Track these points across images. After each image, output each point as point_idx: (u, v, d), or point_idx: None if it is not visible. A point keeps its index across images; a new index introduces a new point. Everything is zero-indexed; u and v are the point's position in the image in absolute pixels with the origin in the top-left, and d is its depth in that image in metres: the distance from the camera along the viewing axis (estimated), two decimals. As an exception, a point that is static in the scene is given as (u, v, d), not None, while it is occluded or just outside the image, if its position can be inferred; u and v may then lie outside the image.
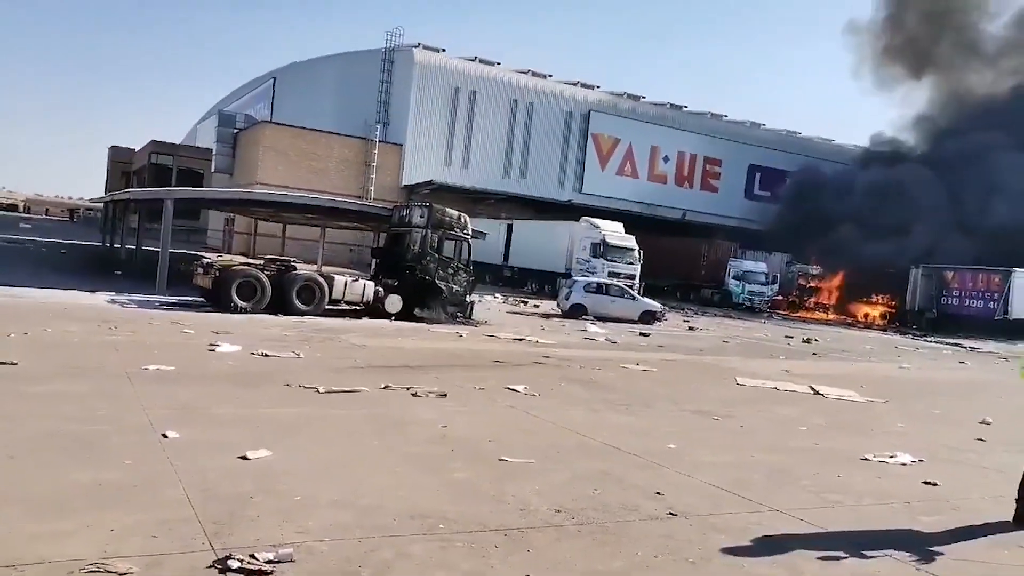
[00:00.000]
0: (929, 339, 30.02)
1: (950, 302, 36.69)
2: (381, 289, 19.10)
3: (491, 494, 5.75)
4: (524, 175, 47.50)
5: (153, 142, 59.46)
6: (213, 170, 48.82)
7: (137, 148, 66.68)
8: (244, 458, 6.05)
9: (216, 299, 17.55)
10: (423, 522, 5.03)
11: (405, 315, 18.86)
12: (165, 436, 6.50)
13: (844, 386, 13.49)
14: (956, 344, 28.11)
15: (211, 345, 11.91)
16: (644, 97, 51.92)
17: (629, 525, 5.35)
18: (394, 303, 18.95)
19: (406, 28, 64.34)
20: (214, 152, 48.71)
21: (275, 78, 54.67)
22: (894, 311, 38.25)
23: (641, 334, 21.12)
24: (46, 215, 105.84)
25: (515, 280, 38.26)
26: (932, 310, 36.85)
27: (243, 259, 21.78)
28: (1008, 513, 6.13)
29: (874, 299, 39.59)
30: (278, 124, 44.70)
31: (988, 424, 10.65)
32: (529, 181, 47.31)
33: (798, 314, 39.10)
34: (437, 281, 19.35)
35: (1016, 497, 6.13)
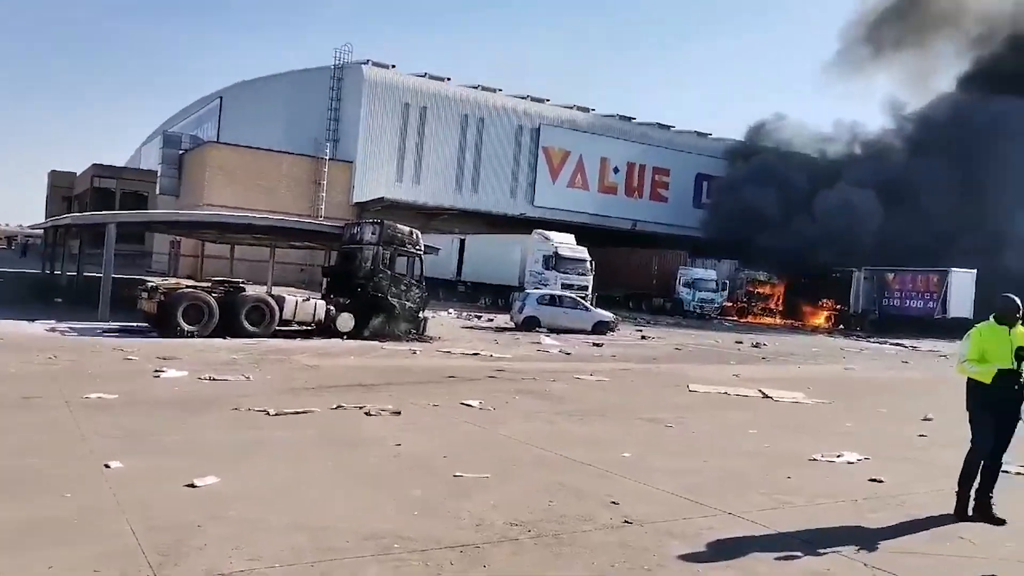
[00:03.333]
0: (873, 340, 30.84)
1: (892, 303, 37.80)
2: (333, 308, 18.89)
3: (446, 511, 5.71)
4: (476, 190, 47.57)
5: (95, 165, 57.97)
6: (158, 192, 47.73)
7: (79, 172, 64.92)
8: (191, 486, 5.90)
9: (162, 324, 17.15)
10: (378, 542, 4.96)
11: (358, 333, 18.68)
12: (107, 466, 6.31)
13: (792, 389, 13.77)
14: (898, 344, 28.93)
15: (156, 371, 11.63)
16: (593, 109, 52.53)
17: (585, 535, 5.36)
18: (346, 321, 18.76)
19: (355, 46, 63.95)
20: (159, 174, 47.63)
21: (221, 98, 53.82)
22: (839, 314, 39.23)
23: (595, 344, 21.27)
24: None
25: (469, 295, 38.21)
26: (874, 311, 37.91)
27: (189, 282, 21.35)
28: (950, 506, 6.31)
29: (820, 303, 40.55)
30: (225, 144, 43.98)
31: (930, 421, 10.96)
32: (481, 195, 47.40)
33: (747, 320, 39.82)
34: (390, 298, 19.23)
35: (955, 490, 6.32)
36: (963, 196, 37.00)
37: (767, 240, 39.95)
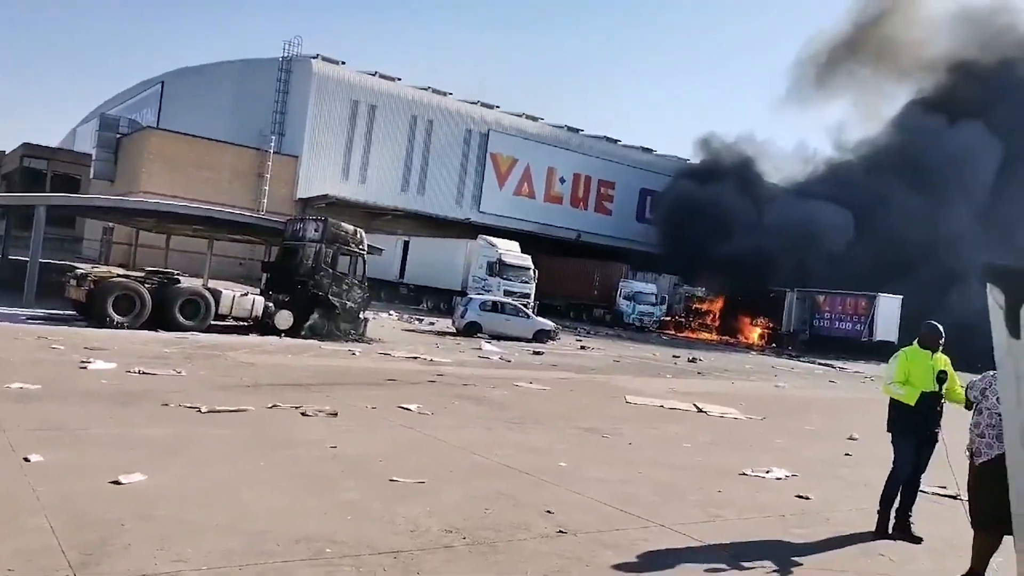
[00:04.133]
0: (803, 359, 31.76)
1: (822, 324, 38.97)
2: (271, 304, 18.53)
3: (381, 515, 5.66)
4: (422, 192, 47.32)
5: (25, 145, 55.61)
6: (92, 176, 46.03)
7: (7, 150, 62.20)
8: (116, 482, 5.71)
9: (90, 313, 16.58)
10: (310, 546, 4.88)
11: (296, 332, 18.36)
12: (27, 460, 6.05)
13: (726, 404, 14.08)
14: (827, 364, 29.88)
15: (83, 362, 11.22)
16: (542, 119, 52.87)
17: (520, 544, 5.37)
18: (285, 319, 18.42)
19: (304, 38, 63.00)
20: (94, 157, 45.94)
21: (163, 82, 52.33)
22: (772, 332, 40.28)
23: (535, 352, 21.37)
24: None
25: (411, 297, 37.98)
26: (805, 332, 39.04)
27: (121, 271, 20.67)
28: (872, 524, 6.54)
29: (754, 321, 41.55)
30: (165, 131, 42.74)
31: (855, 440, 11.35)
32: (427, 198, 47.18)
33: (684, 334, 40.55)
34: (331, 297, 18.96)
35: (877, 509, 6.56)
36: (918, 224, 37.12)
37: (717, 252, 39.62)
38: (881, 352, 32.41)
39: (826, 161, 49.55)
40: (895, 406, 6.56)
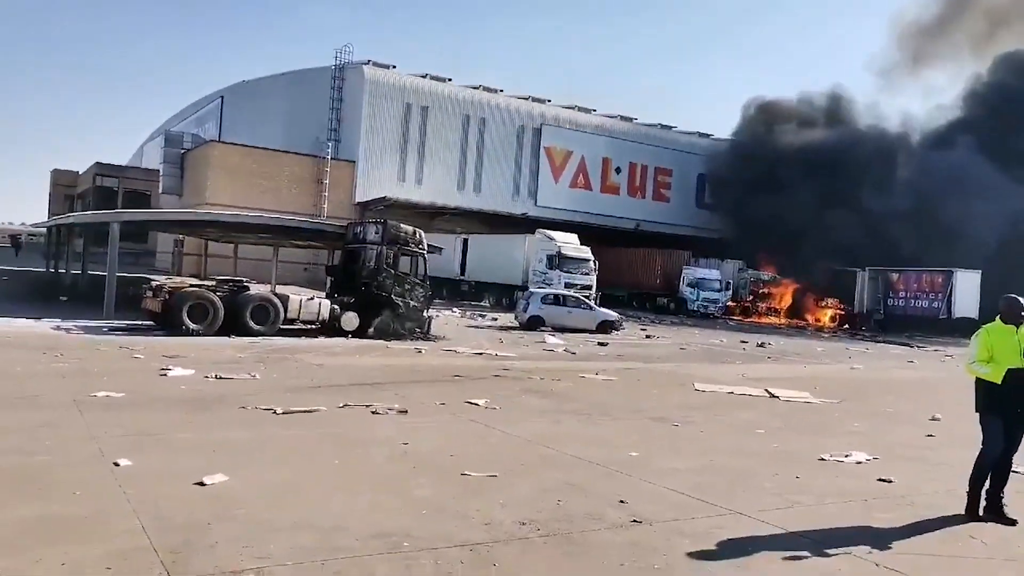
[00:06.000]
0: (878, 340, 30.77)
1: (896, 303, 37.69)
2: (337, 307, 18.90)
3: (455, 509, 5.70)
4: (478, 190, 47.53)
5: (97, 164, 57.98)
6: (161, 191, 47.75)
7: (81, 171, 64.98)
8: (200, 484, 5.90)
9: (167, 322, 17.18)
10: (387, 541, 4.95)
11: (362, 332, 18.68)
12: (116, 465, 6.30)
13: (798, 388, 13.74)
14: (904, 344, 28.88)
15: (162, 370, 11.63)
16: (595, 110, 52.47)
17: (594, 534, 5.34)
18: (351, 320, 18.75)
19: (355, 45, 64.14)
20: (161, 173, 47.64)
21: (223, 97, 53.82)
22: (844, 314, 39.13)
23: (599, 344, 21.23)
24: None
25: (472, 294, 38.24)
26: (880, 311, 37.80)
27: (194, 281, 21.38)
28: (960, 506, 6.29)
29: (824, 302, 40.43)
30: (227, 143, 43.97)
31: (938, 421, 10.93)
32: (483, 195, 47.36)
33: (751, 319, 39.74)
34: (394, 297, 19.23)
35: (967, 490, 6.30)
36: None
37: (817, 227, 37.30)
38: (962, 330, 30.98)
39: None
40: (981, 385, 6.30)
